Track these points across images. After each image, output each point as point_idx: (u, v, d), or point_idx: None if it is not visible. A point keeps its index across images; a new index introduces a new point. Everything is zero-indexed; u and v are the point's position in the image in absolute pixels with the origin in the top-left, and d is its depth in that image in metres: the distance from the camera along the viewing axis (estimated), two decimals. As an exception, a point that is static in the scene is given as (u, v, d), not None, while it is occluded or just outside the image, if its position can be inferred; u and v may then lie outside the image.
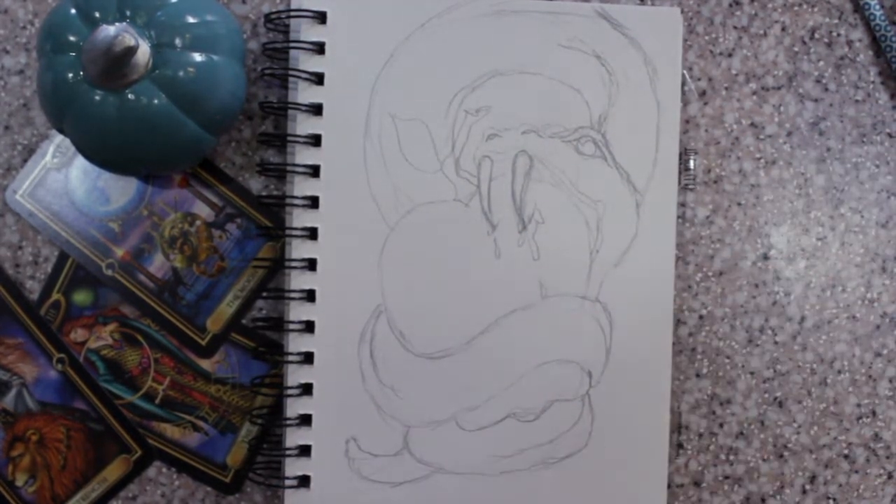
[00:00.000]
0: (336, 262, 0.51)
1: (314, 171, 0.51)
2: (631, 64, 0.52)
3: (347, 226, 0.52)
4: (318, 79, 0.51)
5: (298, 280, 0.51)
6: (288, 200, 0.51)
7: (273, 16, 0.52)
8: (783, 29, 0.55)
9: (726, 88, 0.55)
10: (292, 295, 0.51)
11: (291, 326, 0.51)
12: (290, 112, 0.51)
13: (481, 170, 0.52)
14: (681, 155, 0.54)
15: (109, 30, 0.45)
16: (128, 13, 0.46)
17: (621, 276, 0.52)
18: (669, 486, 0.54)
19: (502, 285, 0.52)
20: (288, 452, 0.51)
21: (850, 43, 0.56)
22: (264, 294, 0.54)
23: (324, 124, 0.51)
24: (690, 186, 0.55)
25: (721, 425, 0.55)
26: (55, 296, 0.54)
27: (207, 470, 0.54)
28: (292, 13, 0.51)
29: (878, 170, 0.55)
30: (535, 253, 0.52)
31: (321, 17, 0.51)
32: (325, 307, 0.51)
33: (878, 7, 0.55)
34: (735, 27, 0.55)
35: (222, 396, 0.54)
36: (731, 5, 0.55)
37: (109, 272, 0.54)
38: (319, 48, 0.51)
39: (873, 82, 0.56)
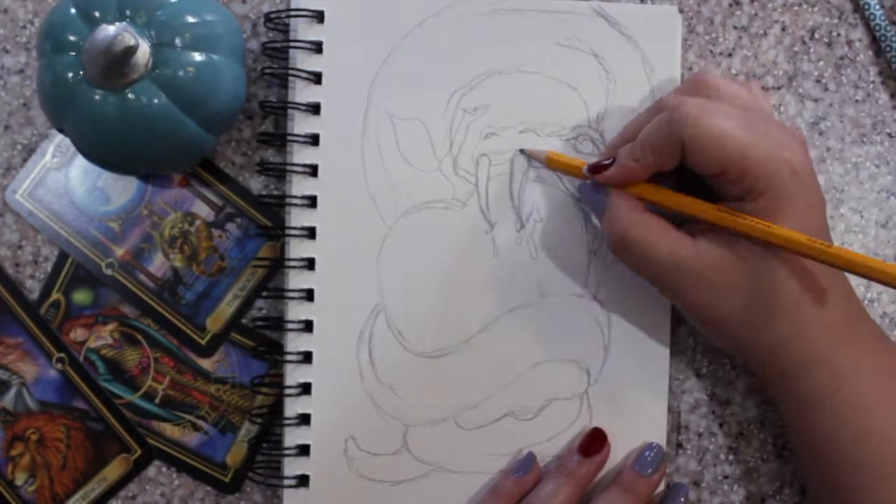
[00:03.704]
0: (334, 262, 0.52)
1: (312, 171, 0.51)
2: (629, 62, 0.52)
3: (345, 225, 0.52)
4: (317, 78, 0.51)
5: (297, 279, 0.51)
6: (287, 200, 0.51)
7: (272, 15, 0.52)
8: (783, 29, 0.55)
9: (726, 88, 0.55)
10: (291, 294, 0.51)
11: (290, 326, 0.51)
12: (289, 111, 0.52)
13: (479, 169, 0.52)
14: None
15: (109, 29, 0.45)
16: (127, 13, 0.46)
17: (619, 274, 0.52)
18: (669, 486, 0.54)
19: (500, 284, 0.52)
20: (287, 452, 0.51)
21: (850, 43, 0.56)
22: (264, 293, 0.54)
23: (322, 124, 0.51)
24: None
25: (721, 425, 0.54)
26: (55, 295, 0.54)
27: (207, 469, 0.54)
28: (291, 13, 0.51)
29: (878, 170, 0.55)
30: (533, 252, 0.52)
31: (319, 17, 0.51)
32: (323, 306, 0.51)
33: (878, 7, 0.55)
34: (735, 27, 0.55)
35: (222, 396, 0.54)
36: (731, 5, 0.55)
37: (109, 272, 0.54)
38: (317, 47, 0.51)
39: (873, 82, 0.56)
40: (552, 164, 0.51)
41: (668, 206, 0.47)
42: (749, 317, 0.46)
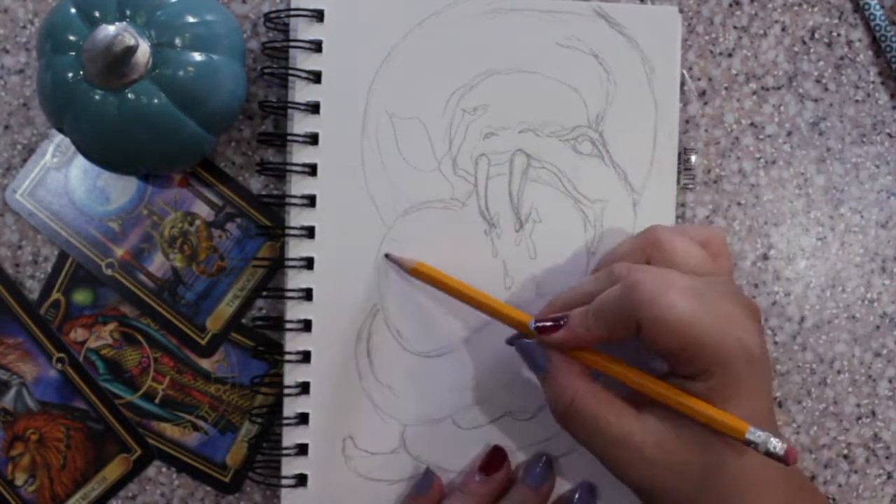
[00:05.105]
0: (333, 261, 0.51)
1: (312, 170, 0.51)
2: (628, 63, 0.52)
3: (345, 225, 0.52)
4: (316, 77, 0.51)
5: (296, 279, 0.51)
6: (287, 200, 0.51)
7: (272, 15, 0.52)
8: (783, 29, 0.55)
9: (726, 88, 0.55)
10: (290, 294, 0.51)
11: (289, 325, 0.51)
12: (289, 111, 0.52)
13: (478, 169, 0.52)
14: (680, 155, 0.54)
15: (109, 29, 0.45)
16: (127, 13, 0.47)
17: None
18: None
19: (499, 284, 0.52)
20: (285, 451, 0.51)
21: (850, 43, 0.56)
22: (264, 293, 0.54)
23: (321, 123, 0.52)
24: (690, 186, 0.54)
25: (720, 425, 0.54)
26: (55, 295, 0.54)
27: (207, 469, 0.54)
28: (291, 12, 0.52)
29: (878, 170, 0.55)
30: (532, 252, 0.52)
31: (319, 16, 0.51)
32: (322, 306, 0.51)
33: (878, 7, 0.55)
34: (735, 27, 0.55)
35: (222, 396, 0.54)
36: (731, 5, 0.55)
37: (109, 272, 0.54)
38: (317, 47, 0.51)
39: (873, 82, 0.56)
40: (418, 275, 0.50)
41: (614, 376, 0.45)
42: (691, 496, 0.44)
